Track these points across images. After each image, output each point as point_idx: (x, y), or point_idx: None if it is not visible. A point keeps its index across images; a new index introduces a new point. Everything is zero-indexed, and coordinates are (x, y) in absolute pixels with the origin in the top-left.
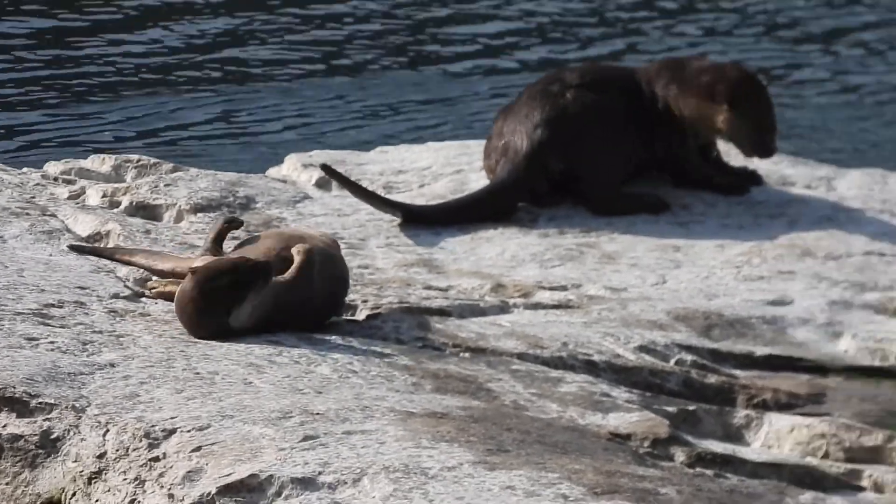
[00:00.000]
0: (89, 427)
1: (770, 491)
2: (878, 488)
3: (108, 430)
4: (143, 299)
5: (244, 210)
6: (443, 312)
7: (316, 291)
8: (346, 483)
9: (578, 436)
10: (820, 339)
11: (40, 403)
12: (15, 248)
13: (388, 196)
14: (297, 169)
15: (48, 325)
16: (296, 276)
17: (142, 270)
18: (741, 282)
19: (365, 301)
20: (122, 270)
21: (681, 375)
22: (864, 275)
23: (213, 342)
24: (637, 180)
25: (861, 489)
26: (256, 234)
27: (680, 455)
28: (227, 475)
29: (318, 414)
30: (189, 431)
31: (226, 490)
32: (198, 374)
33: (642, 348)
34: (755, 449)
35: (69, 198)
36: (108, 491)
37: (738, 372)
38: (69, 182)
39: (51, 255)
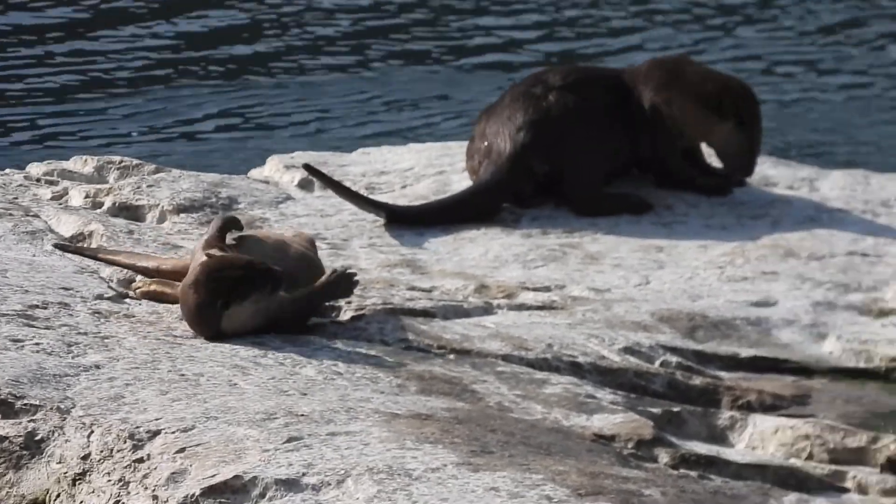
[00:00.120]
0: (74, 428)
1: (754, 492)
2: (861, 490)
3: (92, 432)
4: (128, 300)
5: (227, 211)
6: (427, 314)
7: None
8: (330, 484)
9: (563, 437)
10: (804, 340)
11: (25, 405)
12: None
13: (371, 196)
14: (279, 170)
15: (33, 326)
16: (304, 298)
17: (126, 271)
18: (725, 283)
19: (349, 302)
20: (106, 271)
21: (665, 377)
22: (848, 275)
23: (198, 343)
24: (620, 180)
25: (845, 490)
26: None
27: (664, 456)
28: (212, 476)
29: (302, 415)
30: (173, 433)
31: (210, 491)
32: (183, 375)
33: (627, 350)
34: (739, 450)
35: (52, 198)
36: (93, 492)
37: (722, 373)
38: (52, 183)
39: (34, 255)
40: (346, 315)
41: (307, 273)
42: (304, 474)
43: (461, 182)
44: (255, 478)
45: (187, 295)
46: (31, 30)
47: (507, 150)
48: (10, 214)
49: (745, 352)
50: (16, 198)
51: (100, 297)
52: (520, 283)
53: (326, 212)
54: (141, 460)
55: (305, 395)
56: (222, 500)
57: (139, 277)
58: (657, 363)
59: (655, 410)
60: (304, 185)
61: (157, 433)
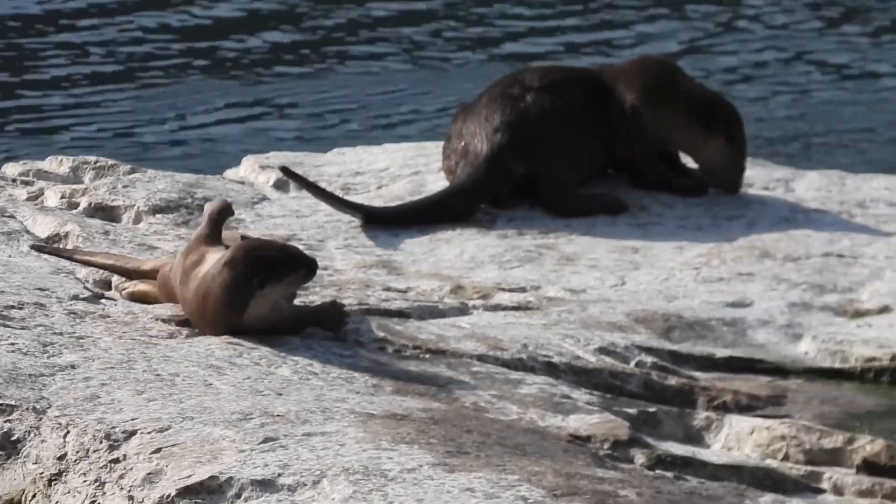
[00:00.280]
0: (50, 429)
1: (730, 493)
2: (837, 490)
3: (68, 432)
4: (103, 301)
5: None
6: (402, 314)
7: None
8: (305, 485)
9: (538, 438)
10: (780, 340)
11: (1, 405)
12: None
13: (347, 197)
14: (254, 170)
15: (8, 326)
16: (300, 314)
17: (101, 272)
18: (700, 283)
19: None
20: (82, 272)
21: (641, 377)
22: (824, 276)
23: (174, 343)
24: (595, 181)
25: (821, 491)
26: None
27: (640, 457)
28: (187, 477)
29: (278, 416)
30: (149, 433)
31: (186, 492)
32: (158, 375)
33: (602, 350)
34: (715, 451)
35: (28, 199)
36: (69, 492)
37: (698, 374)
38: (27, 183)
39: (10, 256)
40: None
41: None
42: (279, 475)
43: (437, 182)
44: (230, 478)
45: (217, 276)
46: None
47: (484, 151)
48: None
49: (721, 352)
50: None
51: (75, 297)
52: (495, 284)
53: (302, 212)
54: (117, 461)
55: (281, 395)
56: (198, 500)
57: (115, 278)
58: (633, 363)
59: (631, 411)
60: (280, 186)
61: (132, 433)
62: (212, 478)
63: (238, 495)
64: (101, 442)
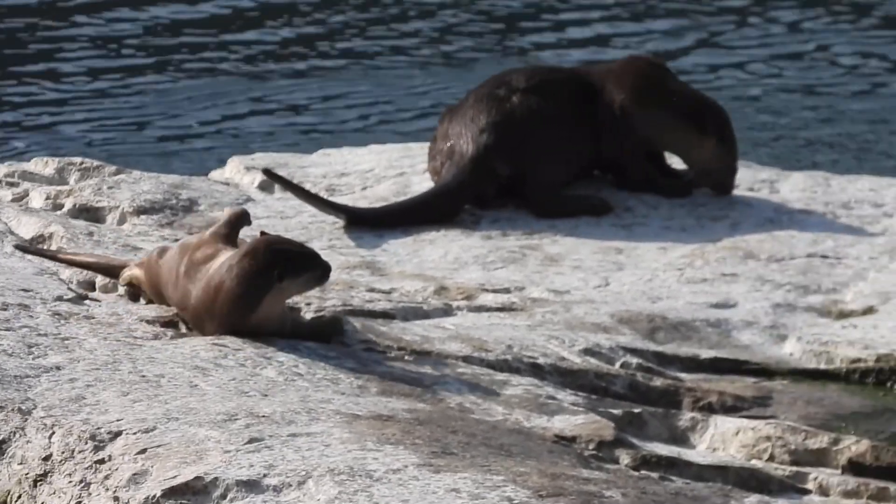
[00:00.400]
0: (35, 429)
1: (715, 494)
2: (823, 491)
3: (53, 433)
4: (87, 302)
5: (187, 213)
6: (386, 315)
7: None
8: (291, 485)
9: (524, 438)
10: (765, 341)
11: None
12: None
13: (331, 198)
14: (239, 171)
15: None
16: (315, 327)
17: (85, 273)
18: (684, 284)
19: (308, 304)
20: (66, 273)
21: (626, 378)
22: (808, 277)
23: (159, 344)
24: (580, 181)
25: (806, 492)
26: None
27: (625, 458)
28: (173, 477)
29: (263, 416)
30: (134, 434)
31: (171, 492)
32: (143, 376)
33: (587, 351)
34: (700, 451)
35: (13, 200)
36: (54, 493)
37: (683, 375)
38: (12, 184)
39: None
40: (306, 317)
41: None
42: (265, 475)
43: (422, 183)
44: (216, 479)
45: (235, 266)
46: None
47: (470, 152)
48: None
49: (706, 353)
50: None
51: (60, 298)
52: (479, 285)
53: (286, 213)
54: (102, 461)
55: (266, 396)
56: (183, 501)
57: (99, 279)
58: (617, 364)
59: (616, 412)
60: (265, 187)
61: (118, 434)
62: (197, 478)
63: (223, 496)
64: (86, 443)
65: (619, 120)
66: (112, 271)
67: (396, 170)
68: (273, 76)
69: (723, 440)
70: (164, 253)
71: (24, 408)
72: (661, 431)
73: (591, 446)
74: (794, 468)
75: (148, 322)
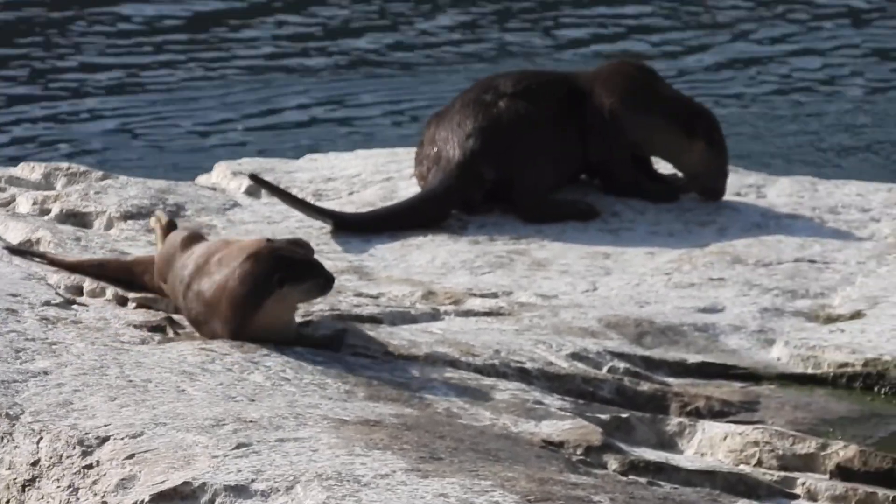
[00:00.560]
0: (23, 435)
1: (703, 499)
2: (811, 496)
3: (41, 438)
4: (75, 306)
5: (174, 218)
6: (374, 320)
7: None
8: (278, 490)
9: (511, 443)
10: (752, 346)
11: None
12: None
13: (318, 203)
14: (226, 176)
15: None
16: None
17: (73, 277)
18: (672, 289)
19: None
20: (53, 277)
21: (613, 383)
22: (795, 282)
23: (146, 349)
24: (567, 186)
25: (794, 497)
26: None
27: (613, 463)
28: (161, 483)
29: (251, 421)
30: (122, 439)
31: (159, 497)
32: (131, 381)
33: (574, 356)
34: (688, 456)
35: (0, 205)
36: (42, 499)
37: (670, 379)
38: None
39: None
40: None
41: None
42: (253, 480)
43: (409, 188)
44: (204, 484)
45: (238, 268)
46: None
47: (457, 157)
48: None
49: (693, 358)
50: None
51: (47, 303)
52: (467, 290)
53: (273, 219)
54: (90, 466)
55: (254, 401)
56: None
57: (87, 283)
58: (605, 369)
59: (604, 417)
60: (252, 192)
61: (106, 439)
62: (185, 483)
63: (211, 501)
64: (74, 448)
65: (608, 124)
66: (105, 270)
67: (383, 175)
68: (259, 82)
69: (710, 445)
70: (194, 240)
71: (11, 413)
72: (649, 436)
73: (578, 451)
74: (782, 473)
75: (135, 326)
